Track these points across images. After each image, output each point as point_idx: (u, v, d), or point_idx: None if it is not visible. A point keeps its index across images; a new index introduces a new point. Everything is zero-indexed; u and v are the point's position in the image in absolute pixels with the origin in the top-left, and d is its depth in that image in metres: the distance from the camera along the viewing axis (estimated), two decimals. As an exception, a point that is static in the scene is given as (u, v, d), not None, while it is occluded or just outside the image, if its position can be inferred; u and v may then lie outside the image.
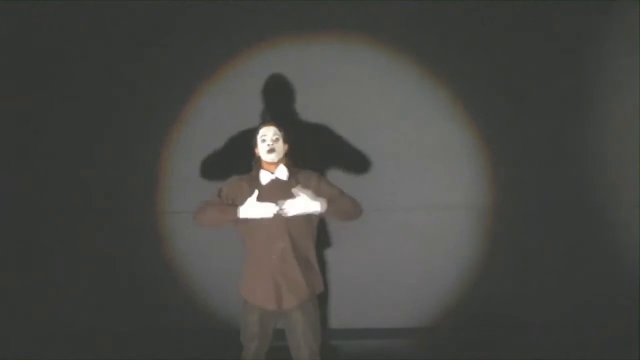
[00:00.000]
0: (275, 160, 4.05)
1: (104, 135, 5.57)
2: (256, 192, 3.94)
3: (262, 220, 3.96)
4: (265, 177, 4.07)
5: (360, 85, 5.49)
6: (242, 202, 3.99)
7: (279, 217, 3.94)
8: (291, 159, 4.22)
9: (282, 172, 4.06)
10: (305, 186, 4.01)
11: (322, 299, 5.39)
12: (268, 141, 4.05)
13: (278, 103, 5.46)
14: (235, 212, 3.95)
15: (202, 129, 5.53)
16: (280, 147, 4.07)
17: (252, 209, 3.95)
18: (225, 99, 5.51)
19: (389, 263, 5.50)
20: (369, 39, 5.47)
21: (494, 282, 5.48)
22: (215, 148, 5.50)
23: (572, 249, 5.46)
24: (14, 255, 5.60)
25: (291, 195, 3.95)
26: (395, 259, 5.50)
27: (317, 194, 4.00)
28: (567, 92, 5.47)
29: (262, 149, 4.08)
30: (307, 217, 4.00)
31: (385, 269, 5.50)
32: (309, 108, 5.47)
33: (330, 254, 5.46)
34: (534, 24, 5.42)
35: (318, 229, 4.25)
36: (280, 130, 4.10)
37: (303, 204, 3.92)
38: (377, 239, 5.50)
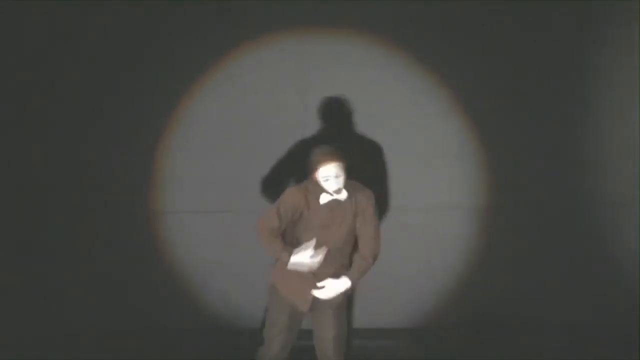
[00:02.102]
0: (343, 198, 4.00)
1: (103, 135, 5.57)
2: (311, 251, 3.92)
3: (312, 226, 3.98)
4: (325, 198, 4.02)
5: (360, 85, 5.48)
6: (307, 215, 3.96)
7: (335, 226, 3.99)
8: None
9: (343, 195, 4.02)
10: (358, 204, 4.01)
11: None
12: (333, 183, 3.92)
13: (277, 103, 5.45)
14: (285, 261, 3.94)
15: (201, 129, 5.52)
16: (342, 181, 3.98)
17: (300, 260, 3.94)
18: (224, 98, 5.51)
19: (389, 263, 5.48)
20: (368, 39, 5.47)
21: (493, 282, 5.48)
22: (214, 147, 5.50)
23: (572, 249, 5.46)
24: (13, 256, 5.59)
25: (346, 216, 3.99)
26: (395, 259, 5.49)
27: (356, 216, 4.02)
28: (566, 92, 5.47)
29: (327, 187, 3.95)
30: (352, 231, 4.03)
31: (384, 268, 5.48)
32: (309, 108, 5.47)
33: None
34: (534, 24, 5.42)
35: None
36: (340, 160, 3.93)
37: (335, 291, 4.00)
38: (377, 239, 5.49)
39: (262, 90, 5.47)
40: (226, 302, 5.54)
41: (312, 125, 5.45)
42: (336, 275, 4.02)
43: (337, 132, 5.48)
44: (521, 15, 5.41)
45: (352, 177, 5.44)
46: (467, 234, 5.52)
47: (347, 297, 4.17)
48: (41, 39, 5.53)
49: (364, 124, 5.49)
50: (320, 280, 4.00)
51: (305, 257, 3.88)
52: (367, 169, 5.49)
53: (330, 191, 3.95)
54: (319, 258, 3.87)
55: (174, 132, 5.55)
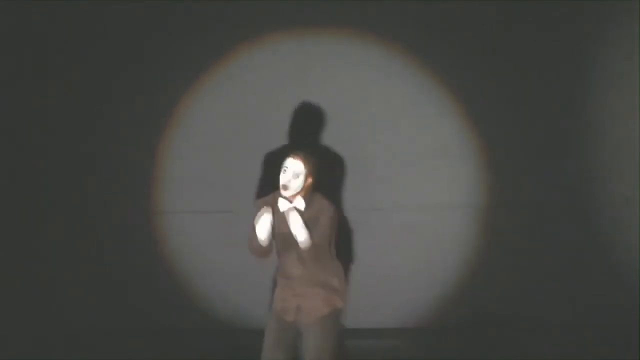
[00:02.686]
0: (287, 196, 4.01)
1: (102, 136, 5.58)
2: (268, 209, 3.94)
3: (279, 240, 4.00)
4: (283, 205, 4.03)
5: (360, 85, 5.49)
6: (273, 220, 3.98)
7: (292, 242, 3.95)
8: (316, 186, 4.05)
9: (300, 204, 4.02)
10: (311, 215, 4.00)
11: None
12: (288, 176, 3.97)
13: (276, 102, 5.46)
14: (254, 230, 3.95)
15: (201, 129, 5.53)
16: (297, 184, 3.97)
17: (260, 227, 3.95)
18: (224, 98, 5.51)
19: (389, 263, 5.50)
20: (369, 39, 5.47)
21: (493, 282, 5.48)
22: (214, 147, 5.50)
23: (572, 249, 5.45)
24: (13, 256, 5.60)
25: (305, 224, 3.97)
26: (395, 259, 5.50)
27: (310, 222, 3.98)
28: (566, 93, 5.47)
29: (280, 179, 4.01)
30: (316, 245, 3.99)
31: (384, 268, 5.50)
32: (309, 108, 5.47)
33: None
34: (534, 24, 5.42)
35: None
36: (306, 165, 3.95)
37: (298, 220, 3.92)
38: (377, 239, 5.50)
39: (262, 90, 5.48)
40: (226, 302, 5.54)
41: (312, 125, 5.45)
42: (312, 281, 3.98)
43: (337, 132, 5.48)
44: (521, 15, 5.41)
45: (352, 177, 5.48)
46: (467, 234, 5.53)
47: (337, 313, 4.08)
48: (41, 39, 5.53)
49: (364, 124, 5.49)
50: (298, 285, 3.99)
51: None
52: (366, 168, 5.51)
53: (280, 184, 3.93)
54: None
55: (174, 132, 5.56)
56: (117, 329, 5.57)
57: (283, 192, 3.95)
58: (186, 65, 5.52)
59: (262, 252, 4.01)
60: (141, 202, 5.60)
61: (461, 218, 5.52)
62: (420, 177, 5.51)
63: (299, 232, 3.90)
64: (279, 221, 4.00)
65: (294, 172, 3.93)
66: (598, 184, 5.49)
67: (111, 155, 5.57)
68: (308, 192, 3.99)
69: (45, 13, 5.48)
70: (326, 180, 4.12)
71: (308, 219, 3.93)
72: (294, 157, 3.95)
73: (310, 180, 3.96)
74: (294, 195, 3.97)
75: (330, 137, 5.48)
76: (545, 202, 5.48)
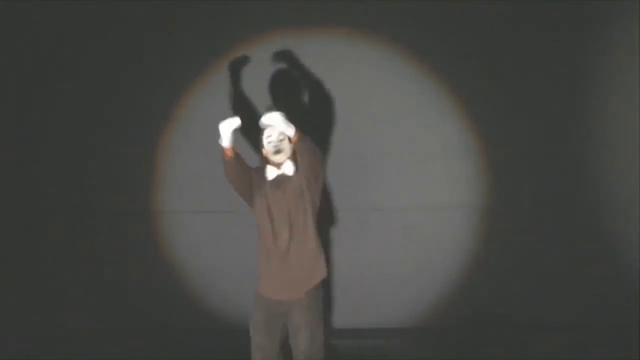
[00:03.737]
0: (284, 159, 4.06)
1: (102, 135, 5.57)
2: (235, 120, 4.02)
3: (266, 212, 4.01)
4: (271, 172, 4.09)
5: (360, 85, 5.48)
6: (254, 189, 4.06)
7: (282, 208, 3.97)
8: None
9: (289, 168, 4.07)
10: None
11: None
12: (274, 142, 4.05)
13: (276, 102, 5.45)
14: (223, 155, 4.03)
15: (201, 129, 5.52)
16: (287, 145, 4.06)
17: (223, 126, 4.03)
18: (224, 98, 5.51)
19: (389, 263, 5.50)
20: (369, 39, 5.47)
21: (493, 282, 5.48)
22: (214, 147, 5.48)
23: (572, 249, 5.45)
24: (13, 256, 5.60)
25: (293, 188, 3.98)
26: (395, 259, 5.49)
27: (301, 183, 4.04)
28: (566, 93, 5.47)
29: (268, 150, 4.08)
30: (306, 210, 4.01)
31: (384, 268, 5.50)
32: (309, 107, 5.47)
33: (329, 253, 5.45)
34: (535, 24, 5.42)
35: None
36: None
37: (280, 120, 3.96)
38: (376, 238, 5.50)
39: (262, 90, 5.47)
40: (226, 302, 5.54)
41: (311, 125, 5.45)
42: (301, 251, 4.00)
43: (337, 132, 5.48)
44: (521, 16, 5.41)
45: (352, 176, 5.48)
46: (467, 234, 5.52)
47: (321, 298, 4.10)
48: (41, 39, 5.53)
49: (364, 124, 5.49)
50: (293, 271, 3.99)
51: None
52: (366, 168, 5.51)
53: (270, 153, 4.03)
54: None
55: (174, 132, 5.56)
56: (117, 329, 5.57)
57: (277, 158, 4.00)
58: (186, 65, 5.52)
59: (232, 167, 4.01)
60: (141, 202, 5.60)
61: (461, 218, 5.51)
62: (420, 177, 5.51)
63: (287, 126, 3.93)
64: (268, 191, 4.00)
65: (278, 135, 4.02)
66: (598, 184, 5.49)
67: (111, 155, 5.57)
68: (294, 157, 4.04)
69: (45, 13, 5.48)
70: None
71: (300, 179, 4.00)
72: (271, 125, 4.02)
73: (295, 137, 4.00)
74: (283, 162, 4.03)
75: (330, 137, 5.47)
76: (545, 202, 5.48)
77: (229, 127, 4.02)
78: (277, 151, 4.06)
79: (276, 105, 5.43)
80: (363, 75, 5.48)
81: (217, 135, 5.45)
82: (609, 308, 5.39)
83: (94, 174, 5.59)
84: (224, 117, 5.44)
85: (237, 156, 4.06)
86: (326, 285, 5.18)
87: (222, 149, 4.03)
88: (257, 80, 5.46)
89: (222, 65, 5.49)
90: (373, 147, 5.50)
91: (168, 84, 5.53)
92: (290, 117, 4.07)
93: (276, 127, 3.99)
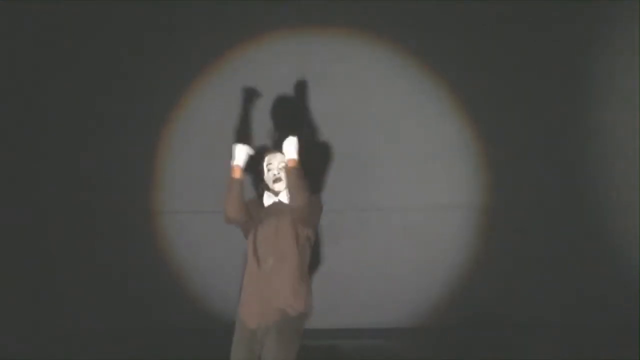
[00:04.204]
0: (282, 188, 4.05)
1: (102, 136, 5.58)
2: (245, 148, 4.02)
3: (253, 237, 4.01)
4: (268, 199, 4.08)
5: (360, 85, 5.49)
6: (253, 214, 4.05)
7: (271, 234, 3.97)
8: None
9: (285, 197, 4.05)
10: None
11: (321, 298, 5.40)
12: (274, 170, 4.04)
13: (276, 102, 5.45)
14: (232, 174, 4.02)
15: (201, 129, 5.53)
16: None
17: (239, 148, 4.04)
18: (223, 98, 5.51)
19: (389, 263, 5.50)
20: (369, 39, 5.47)
21: (493, 282, 5.48)
22: (214, 147, 5.50)
23: (572, 249, 5.46)
24: (13, 255, 5.60)
25: (286, 216, 3.98)
26: (395, 259, 5.50)
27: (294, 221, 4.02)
28: (566, 93, 5.47)
29: (268, 178, 4.07)
30: (297, 237, 3.99)
31: (384, 268, 5.50)
32: (308, 107, 5.47)
33: (329, 253, 5.46)
34: (535, 25, 5.42)
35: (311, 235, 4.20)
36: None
37: (292, 146, 3.96)
38: (376, 238, 5.50)
39: (262, 90, 5.47)
40: (226, 302, 5.54)
41: (311, 125, 5.45)
42: (284, 280, 3.94)
43: (337, 132, 5.48)
44: (521, 16, 5.41)
45: (352, 176, 5.48)
46: (467, 234, 5.52)
47: (300, 334, 4.00)
48: (41, 39, 5.53)
49: (364, 124, 5.49)
50: (271, 297, 3.95)
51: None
52: (366, 168, 5.51)
53: (269, 181, 4.03)
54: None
55: (174, 132, 5.56)
56: (117, 329, 5.57)
57: (276, 187, 4.00)
58: (186, 65, 5.52)
59: (233, 207, 3.98)
60: (141, 202, 5.60)
61: (461, 218, 5.52)
62: (420, 177, 5.51)
63: (298, 189, 3.89)
64: (262, 218, 4.00)
65: (279, 163, 4.02)
66: (598, 184, 5.49)
67: (111, 156, 5.57)
68: None
69: (45, 13, 5.48)
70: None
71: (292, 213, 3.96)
72: (272, 153, 4.07)
73: (291, 164, 3.98)
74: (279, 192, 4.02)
75: (330, 137, 5.48)
76: (545, 202, 5.48)
77: (244, 151, 4.03)
78: (277, 180, 4.05)
79: (275, 112, 5.45)
80: (363, 75, 5.48)
81: (216, 135, 5.49)
82: (609, 308, 5.40)
83: (94, 174, 5.59)
84: (224, 117, 5.50)
85: (241, 181, 4.04)
86: (325, 285, 5.20)
87: (231, 168, 4.01)
88: (257, 81, 5.46)
89: (222, 65, 5.49)
90: (373, 147, 5.51)
91: (168, 84, 5.53)
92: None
93: (288, 152, 3.97)
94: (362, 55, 5.47)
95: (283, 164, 4.03)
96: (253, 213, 4.05)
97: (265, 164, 4.10)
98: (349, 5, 5.44)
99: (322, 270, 5.41)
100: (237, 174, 4.02)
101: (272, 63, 5.47)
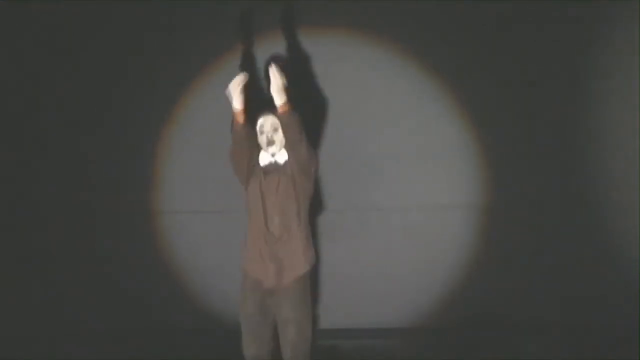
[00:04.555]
0: (276, 150, 4.07)
1: (102, 135, 5.58)
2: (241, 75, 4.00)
3: (259, 195, 4.03)
4: (264, 158, 4.10)
5: (360, 85, 5.48)
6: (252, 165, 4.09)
7: (274, 193, 3.97)
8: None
9: (281, 157, 4.08)
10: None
11: (321, 298, 5.40)
12: (267, 133, 4.08)
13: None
14: (233, 108, 4.03)
15: (201, 129, 5.53)
16: (280, 136, 4.07)
17: (231, 86, 4.06)
18: (223, 98, 5.50)
19: (388, 263, 5.50)
20: (369, 39, 5.47)
21: (493, 282, 5.48)
22: (214, 147, 5.49)
23: (572, 249, 5.45)
24: (13, 255, 5.60)
25: (285, 175, 4.00)
26: (395, 259, 5.50)
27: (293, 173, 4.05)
28: (566, 93, 5.47)
29: (261, 141, 4.10)
30: (298, 195, 4.02)
31: (384, 268, 5.50)
32: (308, 107, 5.46)
33: (329, 253, 5.45)
34: (535, 24, 5.41)
35: (315, 226, 4.25)
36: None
37: (279, 83, 3.92)
38: (376, 238, 5.50)
39: (262, 90, 5.47)
40: (226, 302, 5.54)
41: (311, 125, 5.45)
42: (292, 236, 4.01)
43: (337, 132, 5.48)
44: (521, 16, 5.41)
45: (352, 177, 5.48)
46: (467, 234, 5.52)
47: (309, 291, 4.10)
48: (41, 38, 5.53)
49: (364, 124, 5.49)
50: (283, 257, 3.99)
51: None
52: (366, 168, 5.51)
53: (263, 144, 4.05)
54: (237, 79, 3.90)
55: (174, 132, 5.56)
56: (117, 329, 5.57)
57: (270, 150, 4.02)
58: (185, 65, 5.52)
59: (241, 135, 4.01)
60: (141, 202, 5.60)
61: (461, 218, 5.51)
62: (420, 177, 5.51)
63: (295, 141, 3.92)
64: (261, 176, 4.03)
65: (271, 125, 3.99)
66: (598, 184, 5.49)
67: (111, 155, 5.57)
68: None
69: (45, 13, 5.48)
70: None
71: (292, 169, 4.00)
72: (264, 115, 4.07)
73: (282, 109, 4.00)
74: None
75: (330, 137, 5.47)
76: (545, 202, 5.48)
77: (237, 85, 3.99)
78: (270, 143, 4.08)
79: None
80: (363, 75, 5.48)
81: (216, 135, 5.48)
82: (609, 308, 5.39)
83: (94, 174, 5.59)
84: (224, 117, 5.49)
85: (247, 123, 4.04)
86: (325, 285, 5.20)
87: (233, 113, 4.00)
88: (257, 80, 5.46)
89: (222, 65, 5.49)
90: (373, 147, 5.50)
91: (168, 84, 5.53)
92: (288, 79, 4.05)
93: (276, 98, 3.91)
94: (362, 55, 5.47)
95: (275, 126, 4.03)
96: (254, 162, 4.09)
97: (258, 126, 4.10)
98: (349, 5, 5.44)
99: (322, 270, 5.41)
100: (239, 118, 4.02)
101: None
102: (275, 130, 4.06)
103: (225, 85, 5.49)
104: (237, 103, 4.01)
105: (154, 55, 5.54)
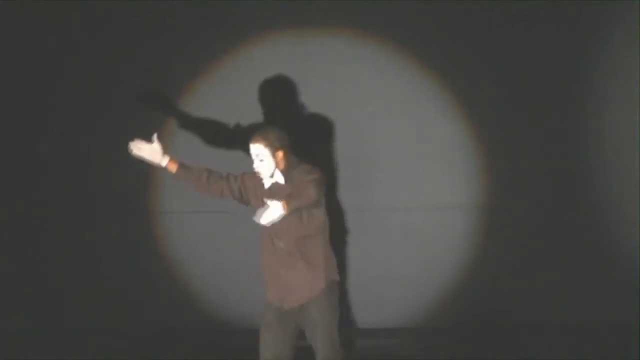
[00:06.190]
0: (268, 175, 4.01)
1: (102, 135, 5.57)
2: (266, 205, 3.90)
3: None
4: (268, 181, 4.06)
5: (360, 85, 5.48)
6: (250, 195, 4.07)
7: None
8: (294, 155, 4.11)
9: (279, 178, 4.03)
10: (293, 181, 3.97)
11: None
12: (255, 162, 4.00)
13: (276, 102, 5.45)
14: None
15: (200, 128, 5.52)
16: (266, 165, 3.97)
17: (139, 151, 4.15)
18: (223, 98, 5.51)
19: (389, 263, 5.50)
20: (369, 39, 5.47)
21: (493, 282, 5.48)
22: (214, 147, 5.50)
23: (572, 249, 5.46)
24: (13, 255, 5.60)
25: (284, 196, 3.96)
26: (395, 259, 5.49)
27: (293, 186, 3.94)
28: (566, 93, 5.47)
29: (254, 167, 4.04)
30: (301, 217, 3.98)
31: (385, 268, 5.50)
32: (309, 107, 5.47)
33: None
34: (534, 24, 5.41)
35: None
36: (267, 145, 3.93)
37: (271, 212, 3.78)
38: (377, 238, 5.50)
39: (261, 90, 5.47)
40: (226, 302, 5.55)
41: (311, 125, 5.45)
42: (297, 256, 3.96)
43: (337, 132, 5.48)
44: (521, 16, 5.41)
45: (353, 177, 5.47)
46: (467, 234, 5.52)
47: (337, 297, 4.06)
48: (41, 38, 5.53)
49: (364, 124, 5.49)
50: (289, 280, 3.97)
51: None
52: (366, 168, 5.51)
53: (255, 170, 4.00)
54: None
55: (174, 132, 5.55)
56: (117, 329, 5.57)
57: (261, 176, 3.99)
58: (186, 65, 5.52)
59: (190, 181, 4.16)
60: (141, 202, 5.60)
61: (461, 218, 5.51)
62: (420, 177, 5.51)
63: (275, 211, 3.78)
64: (265, 198, 3.95)
65: (256, 157, 3.96)
66: (598, 184, 5.49)
67: (110, 155, 5.56)
68: (287, 165, 3.98)
69: (45, 13, 5.48)
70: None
71: (294, 190, 3.87)
72: (252, 143, 3.97)
73: (280, 153, 3.95)
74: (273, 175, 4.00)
75: (330, 137, 5.47)
76: (545, 202, 5.48)
77: (138, 150, 4.08)
78: (259, 172, 4.01)
79: (272, 108, 5.44)
80: (363, 75, 5.48)
81: (216, 135, 5.49)
82: (609, 308, 5.40)
83: (94, 174, 5.59)
84: (224, 117, 5.50)
85: (186, 168, 4.13)
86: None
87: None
88: (257, 81, 5.46)
89: (222, 65, 5.49)
90: (373, 147, 5.50)
91: (168, 84, 5.52)
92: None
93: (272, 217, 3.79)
94: (362, 56, 5.46)
95: (261, 157, 3.96)
96: (250, 186, 4.06)
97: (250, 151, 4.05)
98: (349, 5, 5.44)
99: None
100: (173, 172, 4.12)
101: (272, 63, 5.46)
102: (261, 160, 3.98)
103: (226, 85, 5.53)
104: (159, 161, 4.00)
105: (154, 55, 5.53)
